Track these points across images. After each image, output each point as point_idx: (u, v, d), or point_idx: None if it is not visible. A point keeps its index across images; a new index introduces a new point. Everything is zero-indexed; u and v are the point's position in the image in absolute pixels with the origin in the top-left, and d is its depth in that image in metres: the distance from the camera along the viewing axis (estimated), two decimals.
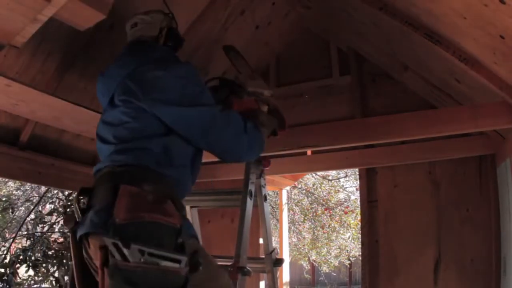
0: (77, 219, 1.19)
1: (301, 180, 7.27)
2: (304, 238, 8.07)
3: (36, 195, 5.39)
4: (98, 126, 1.43)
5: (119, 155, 1.27)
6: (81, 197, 1.21)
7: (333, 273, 9.14)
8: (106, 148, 1.34)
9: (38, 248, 3.22)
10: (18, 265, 3.08)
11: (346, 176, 8.18)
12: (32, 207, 4.48)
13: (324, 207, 7.74)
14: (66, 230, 1.11)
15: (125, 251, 1.00)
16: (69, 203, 3.22)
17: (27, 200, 5.29)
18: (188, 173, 1.37)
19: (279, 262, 1.90)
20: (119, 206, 1.08)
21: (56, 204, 3.54)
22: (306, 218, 7.89)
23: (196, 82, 1.38)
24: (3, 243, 4.03)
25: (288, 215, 7.23)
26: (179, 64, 1.44)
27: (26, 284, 3.29)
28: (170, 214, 1.13)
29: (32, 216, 3.95)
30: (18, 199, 5.58)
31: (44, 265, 3.14)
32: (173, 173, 1.28)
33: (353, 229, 7.53)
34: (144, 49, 1.49)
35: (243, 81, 1.80)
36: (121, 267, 1.00)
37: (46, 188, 3.86)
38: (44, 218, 3.69)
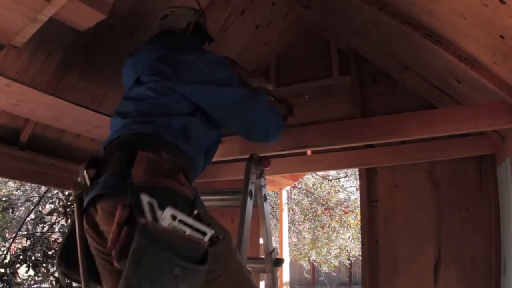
0: (86, 186, 1.19)
1: (301, 180, 7.27)
2: (304, 238, 8.07)
3: (36, 195, 5.40)
4: (119, 104, 1.46)
5: (137, 125, 1.29)
6: (90, 167, 1.21)
7: (333, 273, 9.14)
8: (124, 122, 1.35)
9: (38, 248, 3.22)
10: (18, 265, 3.08)
11: (346, 176, 8.18)
12: (32, 207, 4.48)
13: (324, 207, 7.74)
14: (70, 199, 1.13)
15: (159, 213, 1.00)
16: (69, 203, 3.22)
17: (27, 200, 5.29)
18: (202, 156, 1.39)
19: (279, 262, 1.90)
20: (136, 169, 1.09)
21: (56, 204, 3.54)
22: (306, 218, 7.89)
23: (226, 68, 1.47)
24: (3, 243, 4.03)
25: (288, 215, 7.22)
26: (210, 53, 1.53)
27: (26, 284, 3.29)
28: (185, 185, 1.14)
29: (32, 216, 3.95)
30: (18, 199, 5.58)
31: (44, 265, 3.13)
32: (188, 149, 1.30)
33: (353, 229, 7.53)
34: (174, 38, 1.57)
35: (246, 80, 1.82)
36: (150, 228, 0.98)
37: (46, 188, 3.86)
38: (44, 218, 3.69)
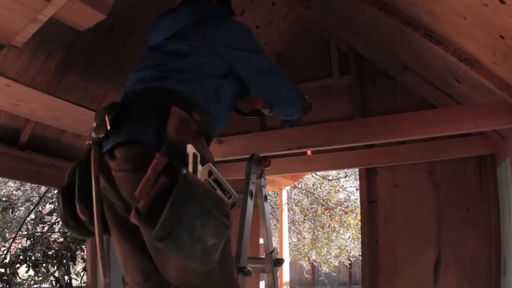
0: (107, 131, 1.18)
1: (301, 180, 7.27)
2: (304, 238, 8.07)
3: (36, 195, 5.39)
4: (145, 56, 1.47)
5: (170, 81, 1.29)
6: (111, 111, 1.19)
7: (333, 273, 9.13)
8: (154, 74, 1.34)
9: (38, 248, 3.22)
10: (18, 265, 3.08)
11: (346, 176, 8.17)
12: (32, 207, 4.47)
13: (324, 207, 7.73)
14: (86, 144, 1.10)
15: (199, 166, 1.04)
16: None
17: (27, 200, 5.29)
18: (224, 119, 1.44)
19: (279, 262, 1.90)
20: (170, 124, 1.09)
21: (56, 204, 3.53)
22: (306, 218, 7.88)
23: (256, 40, 1.55)
24: (3, 243, 4.02)
25: (288, 215, 7.22)
26: (244, 24, 1.58)
27: (26, 284, 3.29)
28: (206, 148, 1.18)
29: (32, 216, 3.95)
30: (18, 199, 5.57)
31: (44, 265, 3.13)
32: (216, 112, 1.34)
33: (353, 229, 7.52)
34: (208, 5, 1.57)
35: None
36: (191, 180, 1.00)
37: (46, 188, 3.86)
38: (44, 218, 3.68)
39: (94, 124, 1.20)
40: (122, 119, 1.18)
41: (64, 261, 3.01)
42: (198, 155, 1.05)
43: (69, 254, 3.02)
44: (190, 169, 1.03)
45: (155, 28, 1.54)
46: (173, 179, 0.99)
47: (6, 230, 4.96)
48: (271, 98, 1.63)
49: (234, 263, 1.38)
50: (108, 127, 1.17)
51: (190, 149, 1.04)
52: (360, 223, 2.85)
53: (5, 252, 3.52)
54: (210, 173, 1.06)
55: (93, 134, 1.20)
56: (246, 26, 1.55)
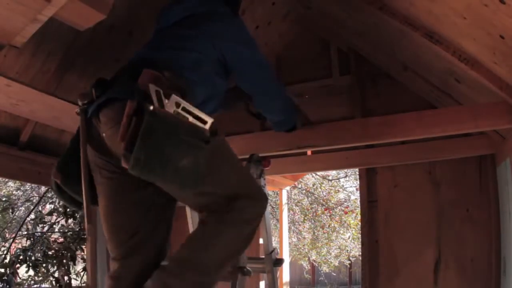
0: (92, 99, 1.32)
1: (301, 180, 7.27)
2: (304, 238, 8.07)
3: (36, 195, 5.39)
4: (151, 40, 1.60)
5: (156, 54, 1.43)
6: (97, 85, 1.34)
7: (333, 273, 9.13)
8: (142, 51, 1.50)
9: (38, 248, 3.22)
10: (18, 265, 3.08)
11: (346, 176, 8.18)
12: (32, 207, 4.47)
13: (324, 207, 7.73)
14: (78, 111, 1.34)
15: (165, 100, 1.13)
16: None
17: (27, 200, 5.29)
18: (204, 90, 1.47)
19: (279, 262, 1.90)
20: (140, 79, 1.20)
21: (56, 204, 3.53)
22: (306, 218, 7.89)
23: (250, 35, 1.66)
24: (3, 243, 4.02)
25: (288, 215, 7.22)
26: (242, 21, 1.70)
27: (26, 284, 3.29)
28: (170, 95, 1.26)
29: (32, 216, 3.95)
30: (18, 199, 5.57)
31: (44, 265, 3.13)
32: (191, 77, 1.40)
33: (353, 229, 7.52)
34: (218, 1, 1.64)
35: None
36: (158, 113, 1.09)
37: (46, 188, 3.86)
38: (44, 218, 3.68)
39: (81, 95, 1.36)
40: (104, 88, 1.33)
41: (64, 261, 3.01)
42: (161, 90, 1.13)
43: (69, 254, 3.02)
44: (156, 104, 1.11)
45: (164, 13, 1.64)
46: (142, 118, 1.09)
47: (6, 230, 4.96)
48: (253, 89, 1.71)
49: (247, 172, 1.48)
50: (94, 97, 1.32)
51: (152, 87, 1.13)
52: (360, 223, 2.85)
53: (5, 252, 3.52)
54: (178, 104, 1.14)
55: (79, 102, 1.35)
56: (247, 31, 1.66)
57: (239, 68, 1.60)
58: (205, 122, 1.19)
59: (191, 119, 1.17)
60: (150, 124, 1.07)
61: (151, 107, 1.08)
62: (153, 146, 1.07)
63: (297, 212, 8.00)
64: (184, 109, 1.15)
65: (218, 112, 1.59)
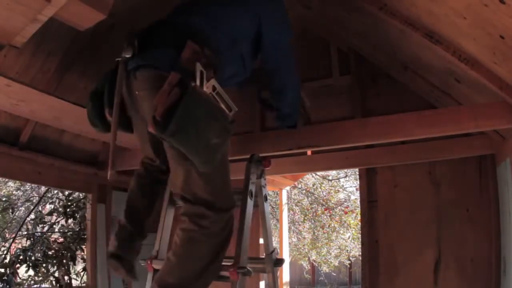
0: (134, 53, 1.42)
1: (301, 180, 7.26)
2: (304, 238, 8.06)
3: (36, 195, 5.39)
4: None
5: (196, 20, 1.49)
6: (137, 37, 1.42)
7: (333, 273, 9.12)
8: (182, 9, 1.59)
9: (38, 248, 3.22)
10: (18, 265, 3.08)
11: (346, 176, 8.16)
12: (32, 207, 4.47)
13: (324, 207, 7.73)
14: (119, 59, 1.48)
15: (205, 81, 1.26)
16: (69, 203, 3.21)
17: (27, 200, 5.28)
18: (236, 62, 1.59)
19: (279, 262, 1.89)
20: (184, 54, 1.31)
21: (56, 204, 3.53)
22: (306, 218, 7.88)
23: (289, 22, 1.83)
24: (3, 243, 4.02)
25: (288, 215, 7.22)
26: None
27: (26, 284, 3.29)
28: (209, 79, 1.36)
29: (32, 216, 3.94)
30: (18, 199, 5.57)
31: (44, 265, 3.13)
32: (226, 52, 1.49)
33: (353, 229, 7.52)
34: None
35: None
36: (197, 90, 1.23)
37: (46, 188, 3.86)
38: (44, 218, 3.68)
39: (125, 45, 1.43)
40: (146, 44, 1.41)
41: (64, 261, 3.01)
42: (204, 72, 1.26)
43: (69, 254, 3.01)
44: (198, 83, 1.24)
45: None
46: (184, 91, 1.21)
47: (6, 230, 4.96)
48: (275, 73, 1.77)
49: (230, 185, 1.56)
50: (136, 51, 1.41)
51: (198, 66, 1.25)
52: (360, 223, 2.85)
53: (5, 252, 3.51)
54: (214, 88, 1.27)
55: (123, 53, 1.43)
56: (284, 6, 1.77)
57: (270, 49, 1.67)
58: (230, 110, 1.32)
59: (221, 104, 1.30)
60: (193, 98, 1.20)
61: (193, 84, 1.21)
62: (192, 119, 1.20)
63: (297, 212, 8.00)
64: (218, 93, 1.29)
65: (231, 86, 1.71)
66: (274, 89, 1.85)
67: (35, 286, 3.20)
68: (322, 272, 8.96)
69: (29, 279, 3.25)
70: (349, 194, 8.32)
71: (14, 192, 5.82)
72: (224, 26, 1.52)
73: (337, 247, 7.91)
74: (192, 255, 1.39)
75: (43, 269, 3.12)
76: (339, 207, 7.80)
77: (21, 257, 3.12)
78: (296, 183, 6.42)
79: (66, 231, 3.30)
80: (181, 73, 1.24)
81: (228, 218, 1.46)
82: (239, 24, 1.58)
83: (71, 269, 3.07)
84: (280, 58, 1.73)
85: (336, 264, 8.29)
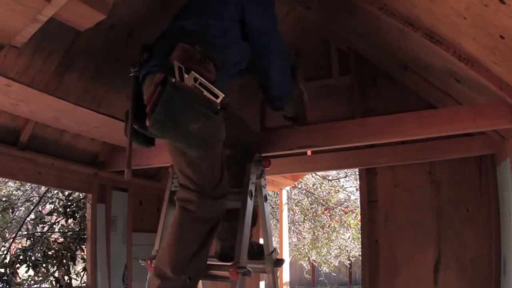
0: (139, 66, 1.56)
1: (301, 180, 7.26)
2: (304, 238, 8.07)
3: (36, 195, 5.38)
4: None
5: (189, 23, 1.60)
6: (144, 51, 1.57)
7: (333, 273, 9.13)
8: (182, 22, 1.66)
9: (38, 248, 3.21)
10: (18, 265, 3.08)
11: (346, 176, 8.17)
12: (32, 207, 4.46)
13: (324, 207, 7.73)
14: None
15: (185, 75, 1.35)
16: (69, 203, 3.21)
17: (27, 200, 5.28)
18: (234, 50, 1.65)
19: (279, 262, 1.89)
20: (174, 55, 1.41)
21: (56, 204, 3.53)
22: (306, 218, 7.88)
23: (275, 14, 1.83)
24: (3, 243, 4.01)
25: (288, 215, 7.22)
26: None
27: (26, 284, 3.29)
28: (210, 71, 1.45)
29: (32, 216, 3.94)
30: (18, 199, 5.56)
31: (44, 265, 3.13)
32: (222, 43, 1.57)
33: (353, 229, 7.52)
34: None
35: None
36: (177, 84, 1.33)
37: (46, 188, 3.86)
38: (44, 218, 3.68)
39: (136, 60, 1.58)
40: (152, 55, 1.56)
41: (64, 261, 3.01)
42: (182, 67, 1.35)
43: (69, 254, 3.01)
44: (177, 77, 1.33)
45: None
46: (164, 88, 1.32)
47: (6, 230, 4.96)
48: (260, 51, 1.78)
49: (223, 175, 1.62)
50: (141, 63, 1.56)
51: (176, 63, 1.35)
52: (360, 223, 2.85)
53: (5, 252, 3.51)
54: (195, 79, 1.36)
55: (131, 70, 1.58)
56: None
57: (254, 34, 1.73)
58: (217, 97, 1.40)
59: (205, 92, 1.37)
60: (168, 93, 1.31)
61: (173, 80, 1.32)
62: (169, 111, 1.32)
63: (297, 212, 8.00)
64: (200, 84, 1.37)
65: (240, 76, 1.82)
66: (259, 71, 1.88)
67: (35, 286, 3.19)
68: (322, 272, 8.96)
69: (29, 279, 3.24)
70: (349, 194, 8.33)
71: (14, 192, 5.82)
72: (214, 21, 1.62)
73: (337, 247, 7.92)
74: (180, 238, 1.50)
75: (43, 269, 3.12)
76: (339, 207, 7.81)
77: (21, 257, 3.11)
78: (296, 183, 6.42)
79: (66, 231, 3.29)
80: (166, 71, 1.36)
81: (216, 206, 1.57)
82: (227, 14, 1.67)
83: (71, 269, 3.07)
84: (264, 43, 1.77)
85: (336, 264, 8.29)
